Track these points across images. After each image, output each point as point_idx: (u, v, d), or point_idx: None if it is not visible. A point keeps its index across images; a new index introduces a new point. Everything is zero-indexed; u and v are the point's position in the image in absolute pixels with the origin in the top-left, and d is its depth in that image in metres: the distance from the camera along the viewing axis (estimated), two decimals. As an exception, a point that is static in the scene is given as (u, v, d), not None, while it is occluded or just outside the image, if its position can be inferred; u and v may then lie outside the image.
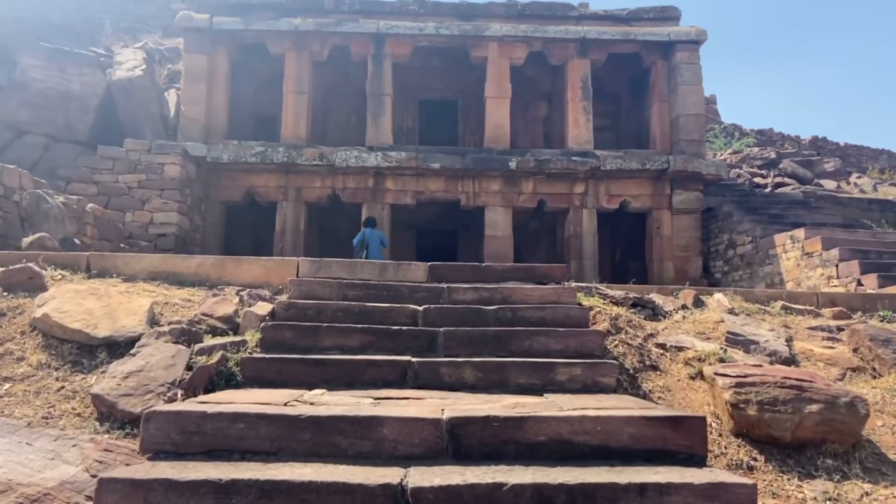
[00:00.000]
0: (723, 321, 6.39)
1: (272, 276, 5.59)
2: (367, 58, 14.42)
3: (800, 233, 11.25)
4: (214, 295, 4.90)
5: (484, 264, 5.73)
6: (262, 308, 4.68)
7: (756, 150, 19.48)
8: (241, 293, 5.08)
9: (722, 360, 5.59)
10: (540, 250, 15.70)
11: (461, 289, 5.20)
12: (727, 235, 13.46)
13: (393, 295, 5.12)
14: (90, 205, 9.80)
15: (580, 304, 5.42)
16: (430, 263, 5.68)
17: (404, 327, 4.50)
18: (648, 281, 14.17)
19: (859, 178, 19.48)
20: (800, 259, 11.16)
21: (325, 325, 4.42)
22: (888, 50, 62.58)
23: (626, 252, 15.79)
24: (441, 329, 4.46)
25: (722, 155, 19.38)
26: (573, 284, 6.53)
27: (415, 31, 14.30)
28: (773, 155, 18.75)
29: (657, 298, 6.76)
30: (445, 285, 5.25)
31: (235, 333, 4.50)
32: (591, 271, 13.79)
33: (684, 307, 6.74)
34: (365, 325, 4.45)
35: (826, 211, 13.86)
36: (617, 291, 6.56)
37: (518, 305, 4.90)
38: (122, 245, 11.08)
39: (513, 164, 13.68)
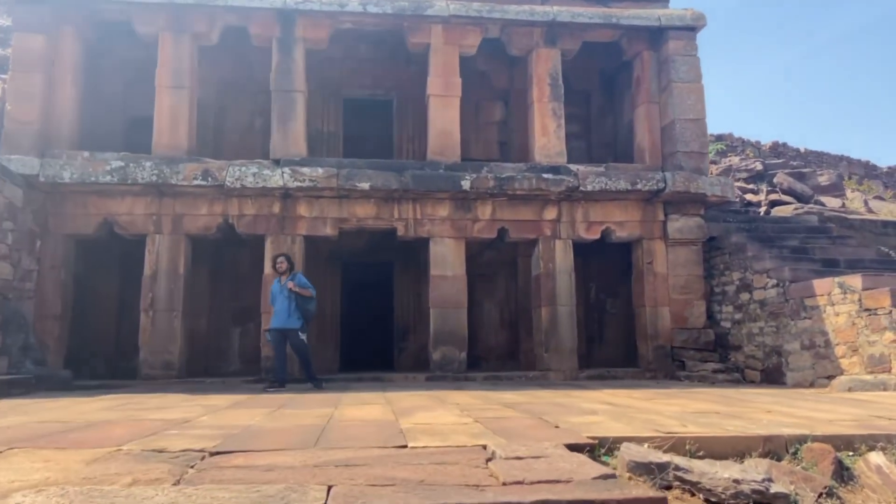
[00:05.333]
0: (926, 538, 3.30)
1: None
2: (273, 42, 10.87)
3: (854, 280, 8.41)
4: None
5: None
6: None
7: (737, 159, 16.85)
8: None
9: None
10: (499, 289, 12.46)
11: None
12: (738, 274, 10.56)
13: None
14: None
15: None
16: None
17: None
18: (638, 330, 11.15)
19: (850, 192, 17.16)
20: (855, 316, 8.31)
21: None
22: (826, 45, 62.61)
23: (603, 288, 12.76)
24: None
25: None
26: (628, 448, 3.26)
27: (335, 9, 10.82)
28: (759, 166, 16.15)
29: (778, 473, 3.59)
30: None
31: None
32: (567, 322, 10.66)
33: (829, 493, 3.61)
34: None
35: (853, 241, 11.18)
36: (720, 474, 3.35)
37: None
38: None
39: (466, 184, 10.40)
